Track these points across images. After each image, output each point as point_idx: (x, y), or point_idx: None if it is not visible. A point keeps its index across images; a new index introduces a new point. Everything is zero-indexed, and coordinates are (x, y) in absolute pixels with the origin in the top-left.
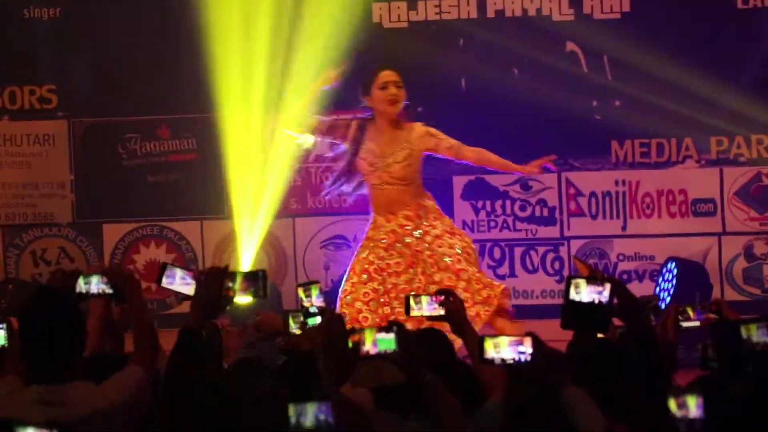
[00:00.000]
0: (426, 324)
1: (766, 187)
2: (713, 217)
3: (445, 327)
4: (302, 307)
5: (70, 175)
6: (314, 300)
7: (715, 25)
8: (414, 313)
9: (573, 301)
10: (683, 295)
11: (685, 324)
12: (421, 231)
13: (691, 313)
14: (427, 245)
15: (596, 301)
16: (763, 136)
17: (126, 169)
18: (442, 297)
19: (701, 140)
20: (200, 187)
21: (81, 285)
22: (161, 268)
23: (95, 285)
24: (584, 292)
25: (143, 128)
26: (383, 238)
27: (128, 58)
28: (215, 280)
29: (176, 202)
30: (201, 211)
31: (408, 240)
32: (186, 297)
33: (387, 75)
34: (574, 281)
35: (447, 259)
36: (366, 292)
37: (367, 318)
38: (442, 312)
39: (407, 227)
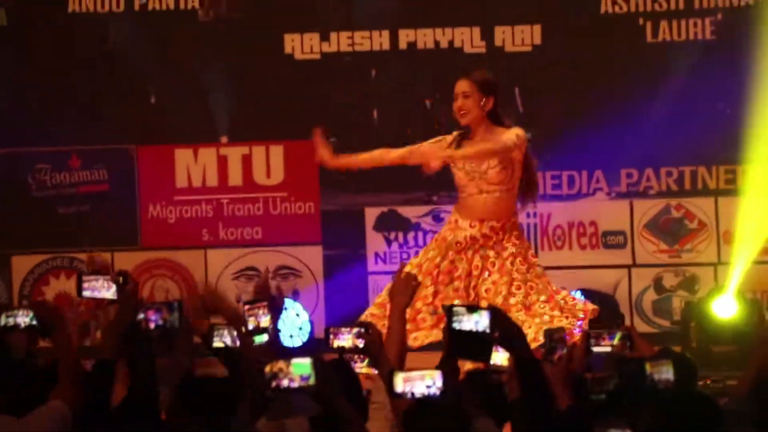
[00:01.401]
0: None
1: (674, 219)
2: (623, 249)
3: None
4: (248, 325)
5: None
6: (260, 318)
7: (625, 58)
8: (333, 343)
9: (454, 330)
10: (593, 326)
11: (596, 349)
12: (495, 251)
13: (602, 339)
14: (501, 262)
15: (474, 330)
16: (672, 169)
17: (36, 200)
18: (361, 329)
19: (611, 173)
20: (111, 218)
21: (5, 318)
22: (78, 279)
23: (21, 318)
24: (464, 321)
25: (54, 159)
26: (459, 242)
27: (39, 88)
28: (129, 312)
29: (87, 233)
30: (112, 243)
31: (484, 252)
32: (112, 301)
33: (457, 86)
34: (454, 309)
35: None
36: (426, 295)
37: (425, 319)
38: (360, 344)
39: (490, 238)
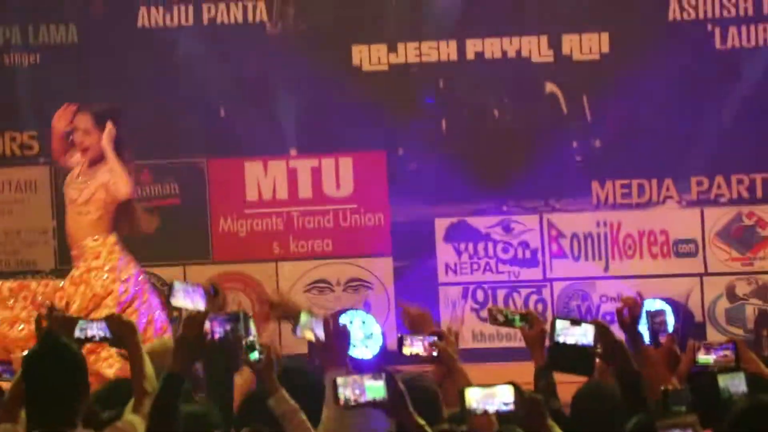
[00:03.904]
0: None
1: (746, 227)
2: (695, 257)
3: None
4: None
5: (53, 221)
6: (251, 333)
7: (693, 65)
8: (406, 350)
9: (558, 343)
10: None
11: (701, 358)
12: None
13: (707, 350)
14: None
15: (580, 343)
16: (743, 176)
17: None
18: (435, 338)
19: (682, 181)
20: (183, 232)
21: (81, 329)
22: (169, 288)
23: (95, 330)
24: (569, 334)
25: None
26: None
27: (108, 103)
28: (194, 324)
29: (158, 247)
30: (184, 256)
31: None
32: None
33: (76, 119)
34: (559, 323)
35: None
36: None
37: None
38: (434, 353)
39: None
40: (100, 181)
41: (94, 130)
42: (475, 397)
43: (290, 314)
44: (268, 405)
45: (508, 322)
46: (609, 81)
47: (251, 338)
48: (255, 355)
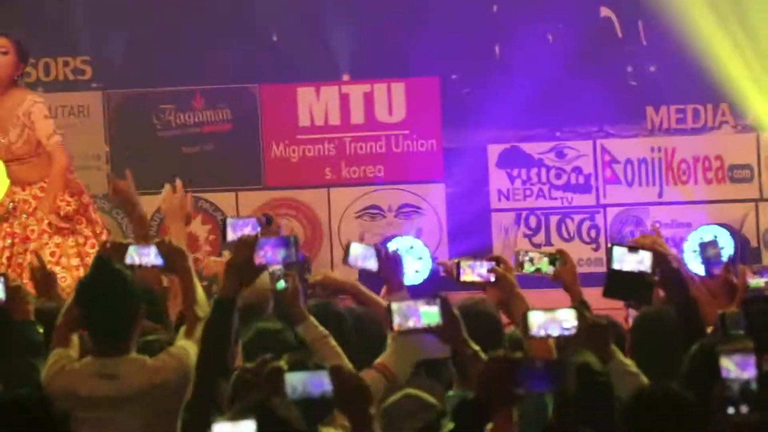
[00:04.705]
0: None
1: None
2: (750, 183)
3: None
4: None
5: (105, 146)
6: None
7: None
8: (464, 278)
9: (615, 270)
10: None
11: (752, 281)
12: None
13: (758, 273)
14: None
15: (638, 271)
16: None
17: (161, 140)
18: (493, 263)
19: (737, 106)
20: (235, 158)
21: (132, 255)
22: (222, 224)
23: (146, 255)
24: (626, 262)
25: (178, 99)
26: (11, 203)
27: (162, 30)
28: (245, 248)
29: (211, 173)
30: (236, 182)
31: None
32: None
33: None
34: (616, 249)
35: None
36: None
37: None
38: (492, 278)
39: (29, 203)
40: (25, 111)
41: (13, 54)
42: (537, 321)
43: (340, 288)
44: (297, 332)
45: (536, 270)
46: (664, 5)
47: (278, 267)
48: (281, 284)
